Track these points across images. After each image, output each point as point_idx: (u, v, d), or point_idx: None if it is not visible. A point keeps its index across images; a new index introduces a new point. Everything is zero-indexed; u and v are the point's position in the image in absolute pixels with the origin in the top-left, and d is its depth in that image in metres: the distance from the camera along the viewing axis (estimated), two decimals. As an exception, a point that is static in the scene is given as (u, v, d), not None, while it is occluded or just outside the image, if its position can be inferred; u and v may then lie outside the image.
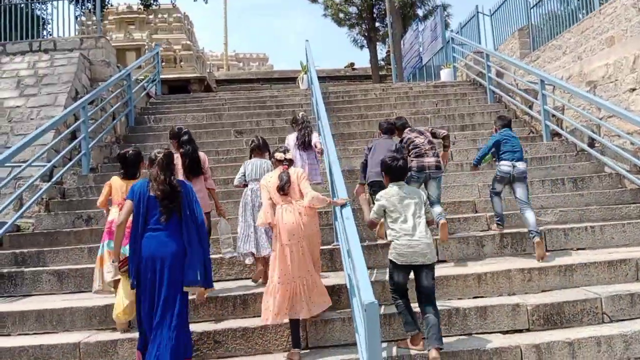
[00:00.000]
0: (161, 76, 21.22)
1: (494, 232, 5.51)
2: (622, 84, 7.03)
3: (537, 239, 4.92)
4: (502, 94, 9.85)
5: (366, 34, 27.52)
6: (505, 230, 5.45)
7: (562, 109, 8.43)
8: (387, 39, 25.74)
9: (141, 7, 29.27)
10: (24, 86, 8.62)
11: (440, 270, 4.57)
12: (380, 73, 25.41)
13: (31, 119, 8.07)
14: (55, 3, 11.47)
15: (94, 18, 28.57)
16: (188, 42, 36.31)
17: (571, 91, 7.50)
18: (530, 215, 5.12)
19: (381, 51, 28.14)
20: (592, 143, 7.47)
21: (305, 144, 5.78)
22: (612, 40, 7.42)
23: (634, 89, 6.82)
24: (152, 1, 21.67)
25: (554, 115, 8.30)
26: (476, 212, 6.12)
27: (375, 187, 4.92)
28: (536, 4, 10.72)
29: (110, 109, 9.05)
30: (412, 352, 3.71)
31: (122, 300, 4.04)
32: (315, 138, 5.83)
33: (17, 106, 8.26)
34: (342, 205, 4.27)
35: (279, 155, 4.34)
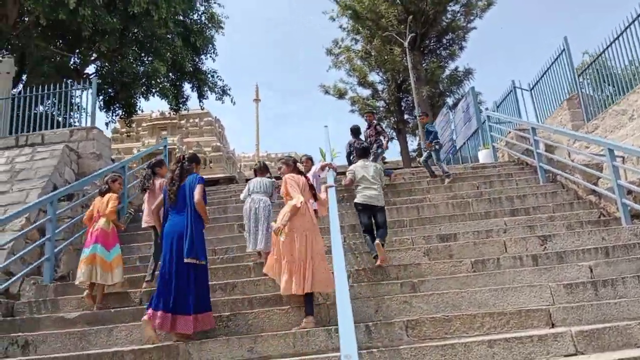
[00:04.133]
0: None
1: (587, 357, 3.65)
2: None
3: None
4: (557, 172, 8.21)
5: (395, 127, 26.78)
6: (606, 357, 3.58)
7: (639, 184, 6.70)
8: (417, 130, 24.89)
9: (171, 112, 29.44)
10: (-4, 183, 7.54)
11: None
12: (412, 165, 24.25)
13: (-5, 219, 6.85)
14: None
15: (127, 125, 29.01)
16: (218, 144, 36.60)
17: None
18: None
19: (411, 142, 27.24)
20: (693, 224, 5.65)
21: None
22: (700, 92, 5.84)
23: None
24: (180, 105, 21.37)
25: (629, 192, 6.57)
26: (552, 325, 4.26)
27: None
28: (584, 70, 9.36)
29: (96, 206, 7.82)
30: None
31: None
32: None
33: (-17, 205, 7.11)
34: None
35: (301, 167, 5.94)
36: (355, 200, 6.04)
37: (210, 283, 5.75)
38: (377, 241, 5.61)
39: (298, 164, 5.44)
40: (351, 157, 9.01)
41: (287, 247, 4.72)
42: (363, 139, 9.50)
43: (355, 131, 9.39)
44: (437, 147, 9.75)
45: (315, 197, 5.31)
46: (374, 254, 5.67)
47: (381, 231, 5.84)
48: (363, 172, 6.09)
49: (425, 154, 9.90)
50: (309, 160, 7.97)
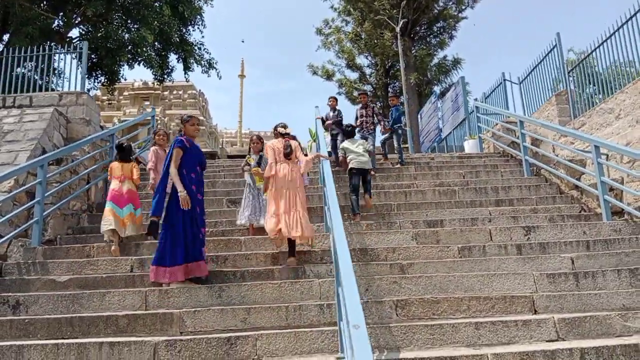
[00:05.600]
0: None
1: (569, 343, 3.85)
2: None
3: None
4: (542, 165, 8.43)
5: (380, 112, 26.86)
6: (586, 343, 3.78)
7: (622, 182, 6.95)
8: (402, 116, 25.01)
9: (155, 82, 28.95)
10: (-17, 143, 7.40)
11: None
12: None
13: (-18, 179, 6.75)
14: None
15: (109, 92, 28.42)
16: (201, 118, 36.19)
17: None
18: None
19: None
20: (669, 223, 5.90)
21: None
22: (687, 97, 6.06)
23: None
24: (165, 76, 21.00)
25: (611, 189, 6.81)
26: (535, 312, 4.46)
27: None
28: (574, 67, 9.56)
29: (84, 171, 7.76)
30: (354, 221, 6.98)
31: None
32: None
33: (-31, 164, 6.99)
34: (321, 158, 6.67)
35: (281, 130, 6.08)
36: (350, 166, 7.33)
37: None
38: (366, 196, 7.34)
39: (279, 128, 6.10)
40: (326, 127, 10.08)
41: (271, 203, 5.59)
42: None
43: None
44: (399, 131, 10.03)
45: (288, 157, 5.78)
46: (356, 212, 7.15)
47: (368, 187, 7.34)
48: (352, 148, 7.42)
49: (384, 136, 10.33)
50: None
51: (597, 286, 4.83)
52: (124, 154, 6.65)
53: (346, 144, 7.57)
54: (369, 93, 27.00)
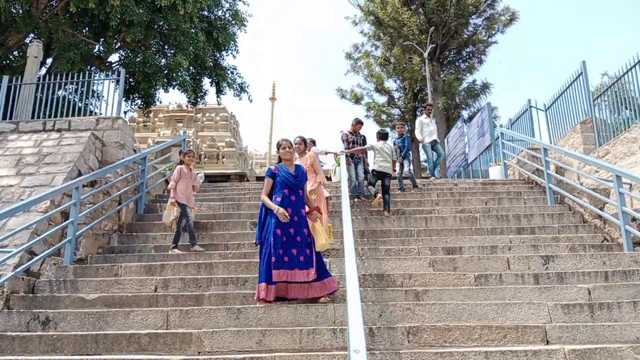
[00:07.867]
0: (204, 171, 20.86)
1: (578, 375, 3.86)
2: None
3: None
4: (566, 194, 8.38)
5: (409, 135, 26.97)
6: (596, 375, 3.79)
7: (645, 212, 6.86)
8: (430, 140, 25.02)
9: (188, 105, 29.75)
10: (23, 165, 7.85)
11: None
12: (422, 175, 24.43)
13: (22, 199, 7.16)
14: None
15: (145, 115, 29.15)
16: (232, 140, 36.90)
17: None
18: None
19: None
20: (693, 255, 5.80)
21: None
22: None
23: None
24: (199, 99, 21.65)
25: (633, 219, 6.74)
26: (548, 342, 4.46)
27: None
28: (600, 95, 9.52)
29: (116, 193, 8.12)
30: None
31: None
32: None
33: (10, 185, 7.42)
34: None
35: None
36: (372, 167, 8.69)
37: (222, 276, 6.08)
38: (385, 212, 8.29)
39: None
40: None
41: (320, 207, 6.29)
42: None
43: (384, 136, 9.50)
44: (409, 158, 10.59)
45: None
46: (374, 193, 8.61)
47: (386, 198, 8.39)
48: (380, 148, 8.75)
49: (403, 167, 10.14)
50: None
51: (612, 318, 4.80)
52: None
53: (375, 143, 8.95)
54: (396, 117, 27.20)
